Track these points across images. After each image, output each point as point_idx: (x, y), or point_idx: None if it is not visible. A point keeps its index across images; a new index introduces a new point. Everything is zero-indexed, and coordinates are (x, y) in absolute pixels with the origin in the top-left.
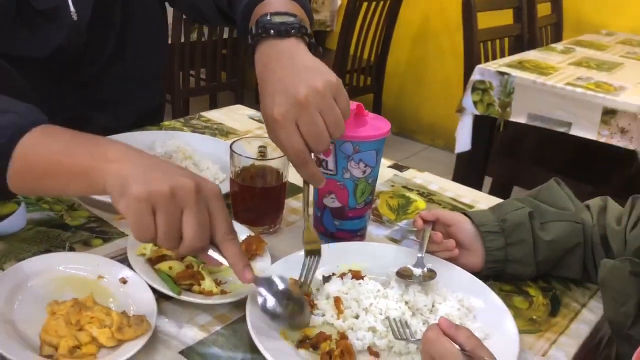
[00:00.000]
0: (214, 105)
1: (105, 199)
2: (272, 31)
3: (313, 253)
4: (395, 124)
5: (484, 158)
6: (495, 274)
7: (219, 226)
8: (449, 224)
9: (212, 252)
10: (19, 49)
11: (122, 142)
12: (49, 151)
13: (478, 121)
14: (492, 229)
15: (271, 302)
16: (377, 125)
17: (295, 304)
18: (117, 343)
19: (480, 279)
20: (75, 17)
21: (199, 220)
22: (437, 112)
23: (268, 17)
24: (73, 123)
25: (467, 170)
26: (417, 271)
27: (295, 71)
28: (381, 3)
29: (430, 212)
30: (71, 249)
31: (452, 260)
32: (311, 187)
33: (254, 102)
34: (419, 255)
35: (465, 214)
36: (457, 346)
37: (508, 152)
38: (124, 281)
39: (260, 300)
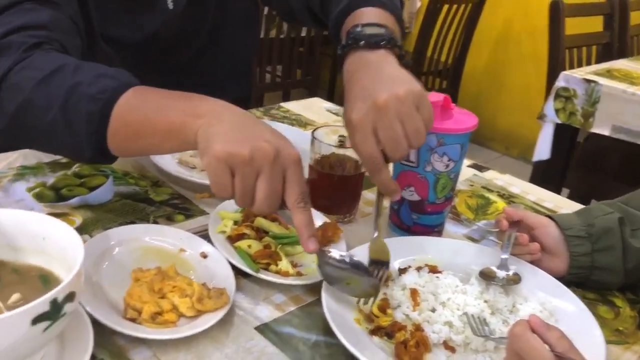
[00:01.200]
0: (287, 101)
1: (192, 179)
2: (362, 42)
3: (380, 264)
4: None
5: (563, 169)
6: (580, 280)
7: (291, 193)
8: (533, 227)
9: (282, 213)
10: (117, 32)
11: (215, 99)
12: (144, 111)
13: (559, 130)
14: (578, 233)
15: (333, 265)
16: (463, 119)
17: (358, 271)
18: (197, 313)
19: (563, 284)
20: (171, 5)
21: (270, 187)
22: (514, 119)
23: (359, 29)
24: None
25: (543, 181)
26: (501, 273)
27: (380, 79)
28: (462, 6)
29: (516, 211)
30: (155, 222)
31: (535, 264)
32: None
33: (325, 100)
34: (503, 257)
35: (550, 217)
36: (546, 346)
37: (589, 165)
38: (204, 256)
39: (324, 262)
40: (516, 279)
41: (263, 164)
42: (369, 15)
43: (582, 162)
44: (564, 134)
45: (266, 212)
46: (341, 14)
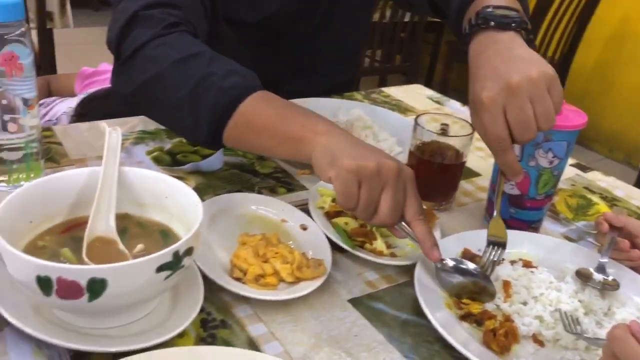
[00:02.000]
0: (383, 86)
1: None
2: (492, 23)
3: (497, 245)
4: None
5: None
6: None
7: (411, 206)
8: (637, 235)
9: (399, 226)
10: (238, 13)
11: (326, 118)
12: (267, 114)
13: None
14: None
15: (450, 272)
16: (572, 116)
17: (475, 277)
18: (295, 280)
19: None
20: None
21: (395, 199)
22: (621, 122)
23: (490, 10)
24: (265, 86)
25: None
26: (598, 276)
27: (511, 60)
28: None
29: (618, 216)
30: (259, 193)
31: (637, 271)
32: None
33: None
34: (602, 260)
35: None
36: None
37: None
38: (304, 228)
39: (441, 270)
40: (614, 285)
41: (389, 178)
42: (498, 0)
43: None
44: None
45: (388, 223)
46: (467, 0)
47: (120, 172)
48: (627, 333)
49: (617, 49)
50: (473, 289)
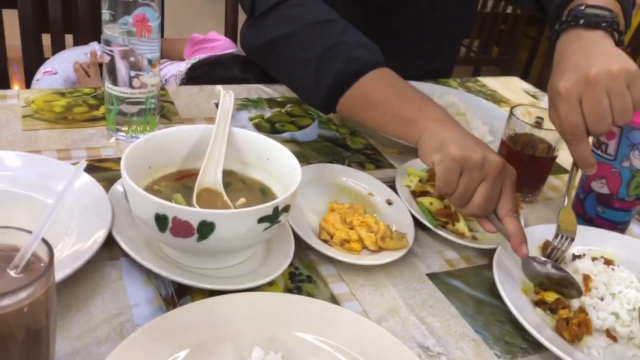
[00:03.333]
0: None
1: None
2: (581, 20)
3: (567, 234)
4: None
5: None
6: None
7: (506, 202)
8: None
9: (490, 218)
10: None
11: (442, 107)
12: (385, 91)
13: None
14: None
15: (537, 270)
16: None
17: (561, 276)
18: (378, 249)
19: None
20: None
21: (490, 194)
22: None
23: (582, 7)
24: None
25: None
26: None
27: (594, 54)
28: None
29: None
30: (349, 166)
31: None
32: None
33: None
34: None
35: None
36: None
37: None
38: (389, 202)
39: (529, 267)
40: None
41: (490, 172)
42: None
43: None
44: None
45: (479, 214)
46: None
47: (230, 132)
48: None
49: None
50: (559, 283)
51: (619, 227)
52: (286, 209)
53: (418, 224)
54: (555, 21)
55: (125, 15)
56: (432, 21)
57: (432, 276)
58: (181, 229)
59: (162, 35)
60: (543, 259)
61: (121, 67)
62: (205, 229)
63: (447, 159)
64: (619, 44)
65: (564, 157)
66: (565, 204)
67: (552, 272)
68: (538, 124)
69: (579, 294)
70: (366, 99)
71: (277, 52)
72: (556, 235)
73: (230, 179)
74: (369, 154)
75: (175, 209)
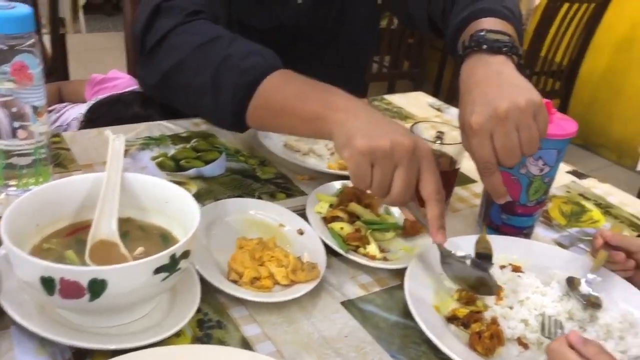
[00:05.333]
0: (391, 92)
1: (296, 161)
2: (484, 46)
3: (484, 258)
4: (580, 135)
5: None
6: None
7: (427, 184)
8: (634, 252)
9: (409, 206)
10: (250, 18)
11: (347, 93)
12: (286, 94)
13: None
14: None
15: (456, 264)
16: (562, 125)
17: (479, 271)
18: (290, 283)
19: None
20: (300, 0)
21: (407, 179)
22: (630, 128)
23: (483, 33)
24: None
25: None
26: (585, 289)
27: (501, 86)
28: (584, 5)
29: (614, 236)
30: (259, 198)
31: (631, 280)
32: None
33: (430, 94)
34: (590, 276)
35: None
36: None
37: None
38: (300, 232)
39: (446, 261)
40: (596, 304)
41: (402, 157)
42: (492, 23)
43: None
44: None
45: (401, 202)
46: (463, 21)
47: (124, 178)
48: (563, 345)
49: (625, 55)
50: (475, 281)
51: (525, 232)
52: (185, 255)
53: (331, 250)
54: (454, 44)
55: (3, 64)
56: (336, 48)
57: (347, 304)
58: (70, 290)
59: (67, 77)
60: (461, 255)
61: (2, 118)
62: (97, 287)
63: (355, 154)
64: (519, 66)
65: (467, 167)
66: (482, 232)
67: (465, 269)
68: (439, 138)
69: (491, 291)
70: (270, 107)
71: (173, 84)
72: (476, 257)
73: (128, 227)
74: (280, 183)
75: (61, 269)
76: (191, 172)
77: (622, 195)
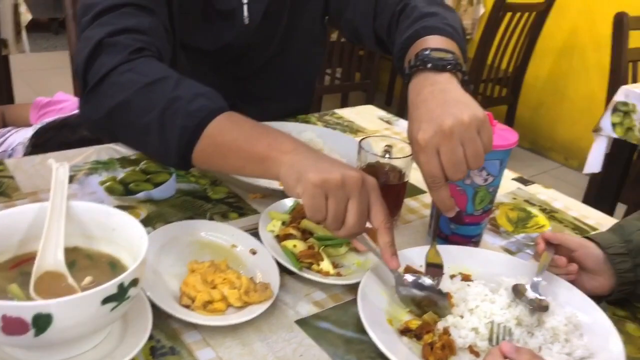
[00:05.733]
0: (345, 103)
1: (245, 179)
2: (429, 64)
3: (434, 274)
4: (528, 139)
5: (619, 184)
6: (625, 296)
7: (377, 214)
8: (573, 249)
9: (361, 237)
10: (196, 41)
11: (293, 137)
12: (233, 135)
13: (617, 144)
14: (619, 250)
15: (409, 287)
16: (504, 136)
17: (431, 293)
18: (243, 304)
19: (595, 301)
20: (247, 20)
21: (360, 209)
22: (575, 130)
23: (428, 52)
24: None
25: (598, 194)
26: (531, 294)
27: (445, 103)
28: (526, 14)
29: (555, 235)
30: (211, 219)
31: (575, 283)
32: None
33: (383, 103)
34: (536, 279)
35: (588, 238)
36: None
37: None
38: (253, 252)
39: (400, 285)
40: (544, 305)
41: (353, 188)
42: (436, 42)
43: (639, 177)
44: (621, 148)
45: (356, 233)
46: (408, 40)
47: (69, 207)
48: (497, 356)
49: (567, 61)
50: (428, 303)
51: (473, 240)
52: (134, 282)
53: (284, 269)
54: (400, 61)
55: None
56: (283, 66)
57: (302, 322)
58: (14, 326)
59: (12, 99)
60: (413, 276)
61: None
62: (42, 322)
63: (309, 187)
64: (464, 82)
65: (417, 177)
66: (432, 244)
67: (417, 293)
68: (387, 152)
69: (444, 310)
70: (217, 148)
71: (117, 122)
72: (427, 267)
73: (75, 256)
74: (232, 203)
75: (2, 306)
76: (140, 195)
77: (566, 200)
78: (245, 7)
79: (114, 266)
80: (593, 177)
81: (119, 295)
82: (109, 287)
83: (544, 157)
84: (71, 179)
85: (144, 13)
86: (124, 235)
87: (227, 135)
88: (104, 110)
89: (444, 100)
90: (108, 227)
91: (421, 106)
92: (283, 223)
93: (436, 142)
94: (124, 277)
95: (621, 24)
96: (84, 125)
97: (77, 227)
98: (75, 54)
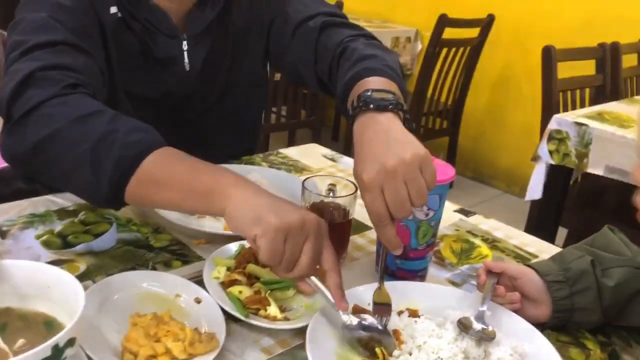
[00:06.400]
0: (292, 141)
1: (191, 226)
2: (372, 105)
3: (382, 313)
4: (470, 169)
5: (559, 208)
6: (562, 323)
7: (329, 256)
8: (515, 277)
9: (309, 280)
10: (137, 88)
11: (234, 171)
12: (173, 168)
13: (554, 170)
14: (556, 278)
15: (357, 328)
16: (442, 171)
17: (376, 332)
18: (189, 356)
19: (538, 328)
20: (187, 67)
21: (315, 251)
22: (515, 158)
23: (369, 93)
24: None
25: (540, 220)
26: (477, 326)
27: (388, 143)
28: (461, 49)
29: (497, 264)
30: (153, 268)
31: (519, 312)
32: None
33: (329, 139)
34: (481, 309)
35: (529, 266)
36: None
37: (586, 204)
38: (198, 301)
39: (345, 327)
40: (491, 335)
41: (311, 230)
42: (377, 83)
43: (579, 200)
44: (559, 174)
45: (307, 274)
46: (350, 81)
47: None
48: None
49: (503, 92)
50: (374, 343)
51: (419, 274)
52: (71, 342)
53: (231, 316)
54: (343, 103)
55: None
56: (226, 109)
57: None
58: None
59: None
60: (357, 318)
61: None
62: None
63: (270, 231)
64: (405, 121)
65: (362, 214)
66: (378, 284)
67: (362, 334)
68: (331, 190)
69: (390, 348)
70: (155, 181)
71: (44, 155)
72: (374, 314)
73: (7, 318)
74: (175, 250)
75: None
76: (79, 248)
77: (506, 229)
78: (185, 54)
79: (50, 326)
80: (535, 202)
81: (54, 357)
82: (43, 349)
83: (487, 185)
84: (5, 235)
85: (79, 53)
86: (60, 292)
87: (166, 167)
88: (30, 142)
89: (387, 139)
90: (42, 284)
91: (365, 146)
92: (228, 269)
93: (380, 181)
94: (58, 338)
95: (549, 56)
96: (4, 158)
97: (9, 287)
98: None
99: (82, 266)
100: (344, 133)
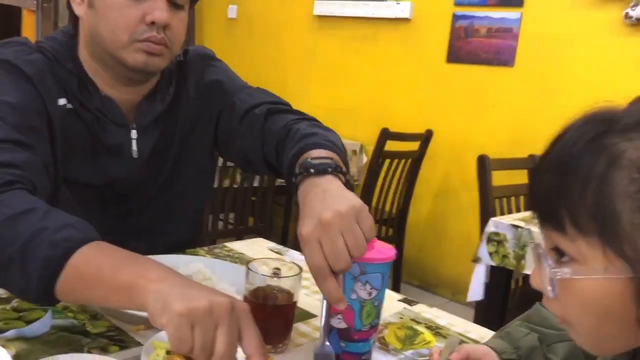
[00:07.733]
0: None
1: (130, 311)
2: (312, 170)
3: None
4: (416, 278)
5: (502, 309)
6: None
7: (250, 341)
8: (480, 358)
9: None
10: (83, 176)
11: (162, 263)
12: (99, 264)
13: (495, 272)
14: (510, 356)
15: None
16: (382, 251)
17: None
18: None
19: None
20: (135, 155)
21: (230, 338)
22: (458, 267)
23: (309, 160)
24: None
25: (484, 322)
26: None
27: (325, 199)
28: (402, 161)
29: (460, 351)
30: (89, 352)
31: None
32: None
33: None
34: None
35: (486, 345)
36: None
37: (528, 304)
38: None
39: None
40: None
41: (222, 315)
42: (318, 153)
43: (521, 301)
44: (500, 276)
45: None
46: (294, 157)
47: None
48: None
49: (443, 203)
50: None
51: (363, 358)
52: None
53: None
54: (290, 178)
55: None
56: (170, 199)
57: None
58: None
59: None
60: None
61: None
62: None
63: (174, 317)
64: (346, 183)
65: (307, 302)
66: (322, 342)
67: None
68: (276, 273)
69: None
70: (82, 278)
71: None
72: None
73: None
74: (113, 336)
75: None
76: (9, 333)
77: (449, 317)
78: (134, 142)
79: None
80: (478, 306)
81: None
82: None
83: (433, 293)
84: None
85: (21, 149)
86: None
87: (92, 264)
88: None
89: (324, 197)
90: None
91: (306, 207)
92: (168, 352)
93: (317, 234)
94: None
95: (484, 163)
96: None
97: None
98: None
99: (11, 352)
100: (292, 241)
